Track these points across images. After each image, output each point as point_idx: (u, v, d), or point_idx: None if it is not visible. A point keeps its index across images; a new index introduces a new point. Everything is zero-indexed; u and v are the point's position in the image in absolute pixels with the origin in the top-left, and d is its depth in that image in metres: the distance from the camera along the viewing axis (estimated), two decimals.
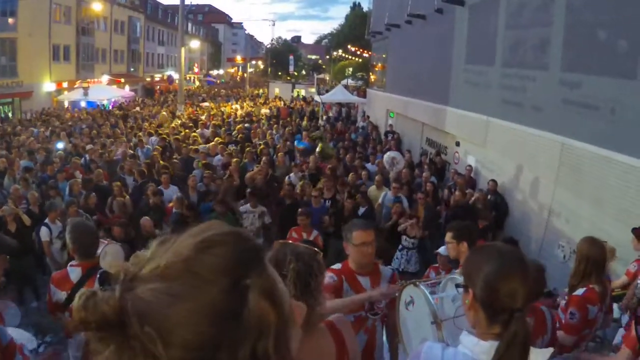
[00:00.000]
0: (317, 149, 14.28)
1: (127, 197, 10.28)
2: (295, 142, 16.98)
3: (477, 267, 1.91)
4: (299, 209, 8.69)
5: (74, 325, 0.76)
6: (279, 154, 14.07)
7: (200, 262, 0.78)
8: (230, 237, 0.84)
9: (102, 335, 0.74)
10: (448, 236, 4.66)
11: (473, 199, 10.56)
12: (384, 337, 4.22)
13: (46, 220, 8.58)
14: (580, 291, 4.20)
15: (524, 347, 1.76)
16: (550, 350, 1.90)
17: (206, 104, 35.89)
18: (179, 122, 22.97)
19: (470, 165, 13.30)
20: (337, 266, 4.13)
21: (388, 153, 13.57)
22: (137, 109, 32.99)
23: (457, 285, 2.31)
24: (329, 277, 3.85)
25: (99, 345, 0.75)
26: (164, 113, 26.85)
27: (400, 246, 9.33)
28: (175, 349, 0.72)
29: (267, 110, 31.59)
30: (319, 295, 2.36)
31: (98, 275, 4.12)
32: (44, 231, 8.41)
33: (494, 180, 11.40)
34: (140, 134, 18.23)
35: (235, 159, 12.60)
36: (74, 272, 4.19)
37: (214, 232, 0.84)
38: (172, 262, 0.79)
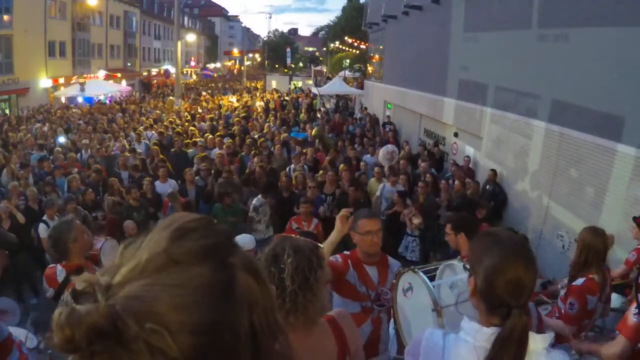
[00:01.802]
0: (317, 141, 14.26)
1: (124, 192, 10.26)
2: (292, 134, 16.90)
3: (479, 257, 1.90)
4: (301, 198, 8.76)
5: (59, 346, 0.69)
6: (276, 146, 14.04)
7: (180, 249, 0.79)
8: (201, 221, 0.86)
9: (95, 348, 0.69)
10: (447, 227, 4.68)
11: (469, 190, 10.56)
12: (391, 329, 4.20)
13: (44, 217, 8.60)
14: (579, 281, 4.21)
15: (520, 342, 1.76)
16: (552, 334, 1.89)
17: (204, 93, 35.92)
18: (174, 116, 22.98)
19: (468, 156, 13.30)
20: (346, 253, 4.15)
21: (385, 147, 13.44)
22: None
23: (465, 268, 2.29)
24: (333, 258, 3.95)
25: None
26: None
27: (405, 234, 9.43)
28: (182, 336, 0.70)
29: (262, 103, 31.54)
30: (318, 290, 2.33)
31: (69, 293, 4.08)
32: (42, 228, 8.40)
33: (493, 170, 11.40)
34: (141, 128, 18.21)
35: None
36: (61, 273, 4.20)
37: (183, 220, 0.85)
38: (153, 256, 0.78)
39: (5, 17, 32.13)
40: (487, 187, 11.26)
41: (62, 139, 16.68)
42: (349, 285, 3.95)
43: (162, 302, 0.72)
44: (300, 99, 35.01)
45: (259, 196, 9.40)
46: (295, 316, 2.25)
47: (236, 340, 0.77)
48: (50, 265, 4.53)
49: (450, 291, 3.12)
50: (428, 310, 3.04)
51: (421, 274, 3.21)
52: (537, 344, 1.81)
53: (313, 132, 16.07)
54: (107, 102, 34.33)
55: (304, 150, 13.24)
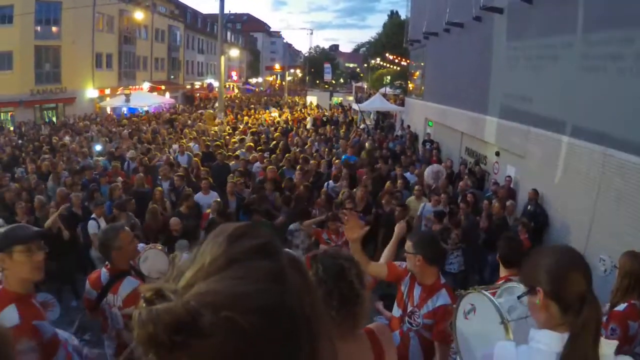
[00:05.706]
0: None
1: (167, 202, 10.44)
2: (344, 157, 16.43)
3: (537, 265, 1.96)
4: (329, 214, 8.73)
5: (142, 343, 0.77)
6: (313, 161, 14.05)
7: (237, 250, 0.88)
8: (248, 227, 0.96)
9: (177, 339, 0.76)
10: (499, 258, 4.56)
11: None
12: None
13: (94, 215, 8.83)
14: (621, 307, 4.14)
15: (596, 332, 1.82)
16: (616, 342, 1.90)
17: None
18: (216, 129, 23.25)
19: (509, 176, 13.08)
20: None
21: (431, 167, 13.24)
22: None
23: (519, 296, 2.29)
24: (398, 263, 4.42)
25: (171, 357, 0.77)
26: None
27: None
28: (250, 319, 0.78)
29: (310, 119, 31.79)
30: (353, 293, 2.33)
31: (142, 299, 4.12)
32: (92, 225, 8.62)
33: (534, 190, 11.18)
34: (185, 140, 18.47)
35: (270, 166, 12.69)
36: (105, 275, 4.29)
37: (233, 227, 0.95)
38: (214, 259, 0.87)
39: (54, 29, 33.48)
40: (528, 207, 11.06)
41: (99, 147, 17.12)
42: (400, 290, 4.24)
43: (230, 293, 0.80)
44: (339, 115, 35.09)
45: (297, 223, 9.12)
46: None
47: (293, 324, 0.85)
48: (95, 270, 4.65)
49: (508, 314, 3.09)
50: (494, 328, 3.00)
51: (485, 292, 3.19)
52: (606, 348, 1.85)
53: (364, 153, 15.79)
54: (152, 112, 34.89)
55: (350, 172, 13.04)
